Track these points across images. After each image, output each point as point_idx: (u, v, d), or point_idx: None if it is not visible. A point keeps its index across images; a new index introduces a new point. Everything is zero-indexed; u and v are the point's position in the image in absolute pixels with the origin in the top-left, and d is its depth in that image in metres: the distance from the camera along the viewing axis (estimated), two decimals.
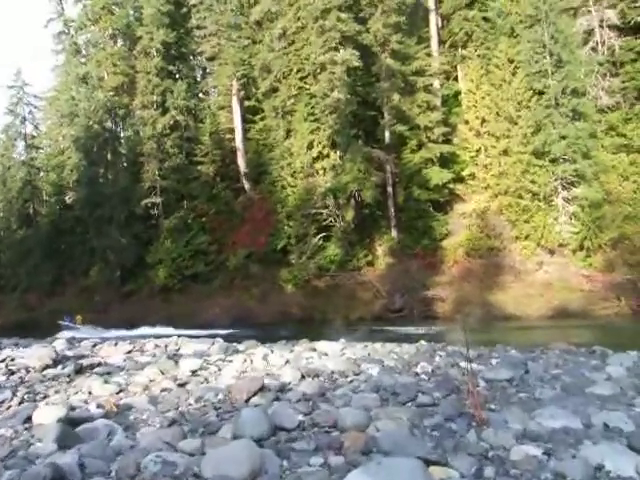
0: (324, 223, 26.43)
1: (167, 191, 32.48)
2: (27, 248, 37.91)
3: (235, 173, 32.38)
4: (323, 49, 27.23)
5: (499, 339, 13.92)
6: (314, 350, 10.23)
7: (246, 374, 7.64)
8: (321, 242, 26.44)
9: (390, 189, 27.14)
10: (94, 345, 12.14)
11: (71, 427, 4.76)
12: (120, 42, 37.36)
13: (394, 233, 26.70)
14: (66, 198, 38.82)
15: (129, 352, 10.85)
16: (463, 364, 7.66)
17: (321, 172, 27.59)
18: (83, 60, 39.11)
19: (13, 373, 8.15)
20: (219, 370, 8.09)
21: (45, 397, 6.49)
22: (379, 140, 27.96)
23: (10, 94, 41.20)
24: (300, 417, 5.06)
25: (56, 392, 6.76)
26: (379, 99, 27.69)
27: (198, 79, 37.82)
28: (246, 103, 32.19)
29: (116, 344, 12.21)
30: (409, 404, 5.80)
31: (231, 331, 21.78)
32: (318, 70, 28.20)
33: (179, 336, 14.17)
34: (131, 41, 35.82)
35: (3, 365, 8.82)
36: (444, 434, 4.63)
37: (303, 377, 7.22)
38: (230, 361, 8.98)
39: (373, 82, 28.28)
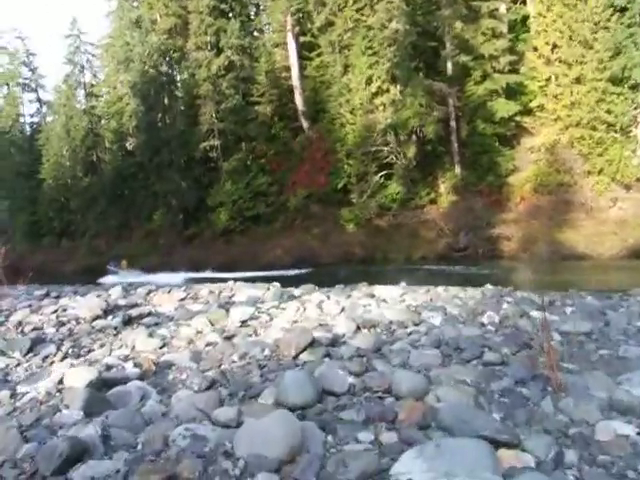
0: (385, 161, 26.36)
1: (225, 133, 33.01)
2: (93, 195, 39.74)
3: (293, 112, 32.45)
4: None
5: (571, 281, 13.64)
6: (372, 296, 9.66)
7: (298, 324, 7.25)
8: (382, 180, 26.48)
9: (453, 123, 26.63)
10: (148, 292, 11.99)
11: (104, 389, 4.67)
12: None
13: (458, 170, 26.37)
14: (127, 144, 40.11)
15: (182, 299, 10.59)
16: (534, 313, 7.30)
17: (381, 108, 27.26)
18: (135, 4, 39.41)
19: (63, 324, 8.05)
20: (270, 320, 7.73)
21: (90, 351, 6.37)
22: (441, 72, 27.27)
23: (67, 43, 42.34)
24: (351, 379, 4.61)
25: (101, 346, 6.62)
26: (440, 28, 26.83)
27: (252, 16, 37.47)
28: (301, 39, 31.86)
29: (169, 291, 12.04)
30: (474, 362, 5.27)
31: (291, 272, 22.61)
32: (375, 0, 27.39)
33: (235, 280, 14.15)
34: None
35: (54, 316, 8.71)
36: (515, 401, 4.15)
37: (358, 328, 6.82)
38: (283, 309, 8.59)
39: (433, 10, 27.35)
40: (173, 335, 7.00)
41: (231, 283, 13.17)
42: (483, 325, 7.04)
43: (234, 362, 5.54)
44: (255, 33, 36.35)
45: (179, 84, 37.96)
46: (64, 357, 6.04)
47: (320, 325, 7.05)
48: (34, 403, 4.50)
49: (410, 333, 6.62)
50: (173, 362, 5.64)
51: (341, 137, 28.49)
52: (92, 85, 44.09)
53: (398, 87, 27.03)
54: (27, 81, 49.54)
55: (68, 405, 4.31)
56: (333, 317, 7.65)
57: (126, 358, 5.94)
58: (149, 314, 8.62)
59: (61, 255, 38.90)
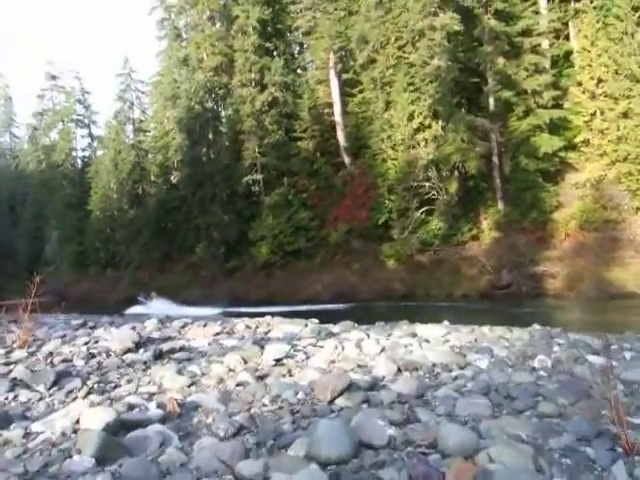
0: (426, 196, 26.68)
1: (267, 168, 34.06)
2: (137, 227, 41.34)
3: (335, 148, 33.27)
4: (421, 14, 27.23)
5: (622, 322, 13.29)
6: (414, 336, 9.34)
7: (335, 364, 7.01)
8: (423, 216, 26.78)
9: (496, 159, 26.82)
10: (183, 326, 11.93)
11: (122, 432, 4.45)
12: (218, 23, 39.12)
13: (500, 206, 26.44)
14: (172, 178, 41.69)
15: (217, 334, 10.40)
16: (591, 358, 6.89)
17: (422, 143, 27.75)
18: (183, 44, 41.60)
19: (93, 357, 7.95)
20: (306, 359, 7.47)
21: (116, 387, 6.23)
22: (483, 108, 27.60)
23: (119, 81, 44.96)
24: (391, 431, 4.23)
25: (128, 382, 6.45)
26: (482, 64, 27.21)
27: (295, 55, 38.92)
28: (344, 76, 32.83)
29: (205, 325, 11.91)
30: (528, 413, 4.87)
31: (329, 307, 22.96)
32: (417, 37, 28.23)
33: (272, 315, 14.07)
34: (228, 21, 37.54)
35: (85, 348, 8.64)
36: (579, 464, 3.68)
37: (399, 371, 6.49)
38: (321, 347, 8.30)
39: (475, 46, 27.80)
40: (204, 372, 6.82)
41: (268, 318, 13.15)
42: (534, 370, 6.62)
43: (265, 405, 5.26)
44: (298, 70, 37.64)
45: (224, 120, 39.48)
46: (88, 392, 5.88)
47: (359, 366, 6.80)
48: (46, 445, 4.26)
49: (455, 377, 6.27)
50: (200, 403, 5.38)
51: (383, 172, 29.02)
52: (140, 121, 46.46)
53: (440, 123, 27.48)
54: (81, 117, 52.70)
55: (80, 450, 4.04)
56: (372, 357, 7.37)
57: (150, 397, 5.68)
58: (181, 349, 8.46)
59: (106, 285, 40.31)
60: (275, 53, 36.39)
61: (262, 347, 8.07)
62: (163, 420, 4.82)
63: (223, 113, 39.83)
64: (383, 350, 7.85)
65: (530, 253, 23.58)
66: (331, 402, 5.23)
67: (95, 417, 4.51)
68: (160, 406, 5.19)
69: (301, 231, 32.00)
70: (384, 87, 30.28)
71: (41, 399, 5.72)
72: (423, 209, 26.77)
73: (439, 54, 26.77)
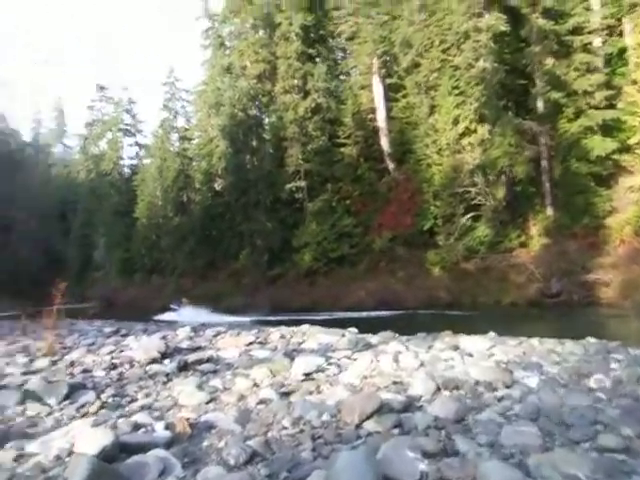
0: (473, 202, 26.41)
1: (311, 174, 34.45)
2: (182, 234, 42.43)
3: (378, 153, 33.33)
4: (466, 16, 27.02)
5: None
6: (456, 349, 8.70)
7: (368, 380, 6.54)
8: (470, 222, 26.51)
9: (545, 163, 26.34)
10: (216, 334, 11.76)
11: (122, 457, 4.05)
12: (261, 31, 39.81)
13: (550, 211, 25.92)
14: (216, 185, 42.56)
15: (249, 344, 10.10)
16: None
17: (468, 148, 27.49)
18: (227, 52, 42.59)
19: (115, 368, 7.79)
20: (338, 373, 7.06)
21: (132, 401, 5.97)
22: (531, 110, 27.15)
23: (164, 91, 46.43)
24: (423, 466, 3.70)
25: (146, 396, 6.21)
26: (530, 65, 26.79)
27: (338, 60, 39.19)
28: (387, 81, 32.93)
29: (238, 334, 11.67)
30: (585, 445, 4.24)
31: (372, 314, 23.05)
32: (461, 40, 28.01)
33: (312, 323, 13.84)
34: (271, 28, 38.12)
35: (108, 358, 8.57)
36: None
37: (438, 389, 5.96)
38: (355, 360, 7.84)
39: (522, 47, 27.39)
40: (226, 387, 6.49)
41: (305, 327, 12.89)
42: (591, 391, 5.87)
43: (285, 428, 4.81)
44: (341, 76, 37.93)
45: (267, 127, 40.04)
46: (101, 407, 5.64)
47: (394, 383, 6.33)
48: (36, 471, 3.84)
49: (501, 398, 5.66)
50: (215, 423, 5.00)
51: (428, 178, 28.92)
52: (185, 129, 47.72)
53: (486, 127, 27.16)
54: (128, 127, 54.56)
55: (67, 479, 3.58)
56: (410, 373, 6.87)
57: (162, 415, 5.35)
58: (208, 360, 8.14)
59: (151, 291, 41.41)
60: (318, 59, 36.79)
61: (293, 359, 7.74)
62: (170, 443, 4.44)
63: (266, 120, 40.39)
64: (422, 365, 7.35)
65: (581, 260, 23.00)
66: (359, 426, 4.77)
67: (92, 439, 4.11)
68: (169, 427, 4.79)
69: (345, 238, 32.15)
70: (428, 91, 30.21)
71: (50, 414, 5.49)
72: (469, 215, 26.50)
73: (485, 56, 26.54)
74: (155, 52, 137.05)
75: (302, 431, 4.71)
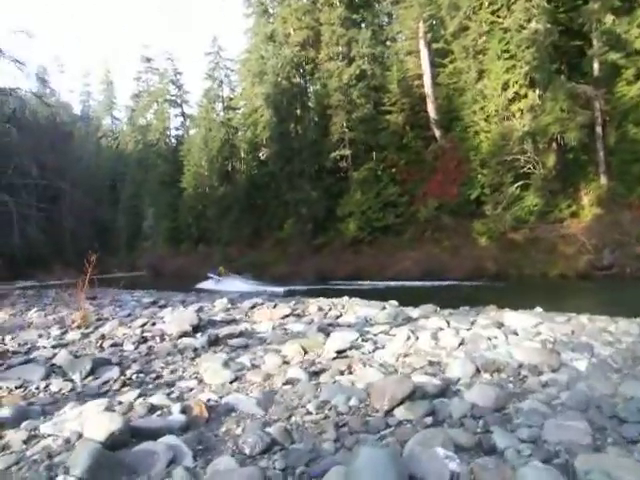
0: (522, 170, 25.83)
1: (355, 143, 34.34)
2: (228, 203, 43.08)
3: (425, 121, 32.85)
4: None
5: None
6: (500, 326, 8.07)
7: (404, 360, 6.17)
8: (518, 191, 25.97)
9: (599, 129, 25.44)
10: (252, 307, 11.49)
11: (133, 443, 3.81)
12: None
13: (603, 180, 25.14)
14: (261, 154, 42.85)
15: (285, 316, 9.84)
16: None
17: (518, 114, 26.79)
18: (270, 20, 42.37)
19: (145, 341, 7.68)
20: (373, 351, 6.68)
21: (157, 378, 5.75)
22: (585, 74, 26.14)
23: (208, 60, 46.72)
24: (454, 465, 3.32)
25: (172, 372, 6.02)
26: (586, 24, 25.61)
27: (383, 25, 38.51)
28: (434, 46, 32.21)
29: (275, 306, 11.41)
30: None
31: (416, 284, 23.07)
32: (512, 0, 26.95)
33: (356, 291, 13.74)
34: None
35: (139, 331, 8.45)
36: None
37: (478, 371, 5.51)
38: (393, 336, 7.48)
39: (579, 5, 26.19)
40: (254, 364, 6.25)
41: (345, 299, 12.66)
42: None
43: (309, 413, 4.47)
44: (387, 42, 37.25)
45: (311, 95, 39.93)
46: (124, 384, 5.48)
47: (430, 364, 5.94)
48: (43, 455, 3.67)
49: (545, 384, 5.10)
50: (236, 406, 4.69)
51: (475, 146, 28.40)
52: (230, 98, 48.04)
53: (537, 92, 26.38)
54: (173, 97, 55.34)
55: (68, 468, 3.37)
56: (449, 352, 6.48)
57: (181, 395, 5.11)
58: (240, 334, 7.91)
59: (197, 260, 42.30)
60: (363, 25, 36.37)
61: (327, 334, 7.45)
62: (185, 428, 4.16)
63: (310, 88, 40.33)
64: (462, 343, 6.87)
65: (636, 231, 22.28)
66: (388, 412, 4.39)
67: (100, 424, 3.85)
68: (186, 410, 4.47)
69: (390, 207, 32.08)
70: (476, 56, 29.40)
71: (72, 390, 5.35)
72: (518, 184, 25.94)
73: (537, 16, 25.57)
74: (198, 21, 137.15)
75: (327, 417, 4.36)
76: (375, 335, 7.68)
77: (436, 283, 23.16)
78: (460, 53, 30.47)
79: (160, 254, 49.89)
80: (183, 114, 56.17)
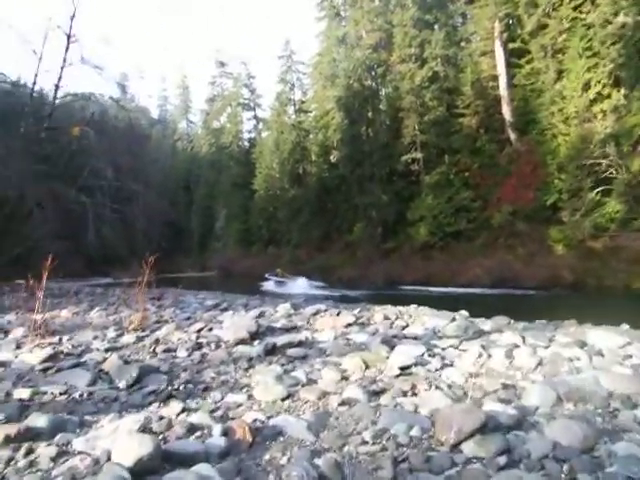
0: (603, 175, 24.78)
1: (427, 146, 34.09)
2: (298, 206, 43.69)
3: (499, 124, 32.12)
4: None
5: None
6: (582, 345, 7.09)
7: (474, 381, 5.59)
8: (599, 197, 24.94)
9: None
10: (315, 313, 11.12)
11: (165, 469, 3.48)
12: None
13: None
14: (331, 157, 43.20)
15: (349, 325, 9.37)
16: None
17: (600, 116, 25.75)
18: (342, 23, 42.76)
19: (200, 347, 7.43)
20: (441, 368, 6.11)
21: (205, 390, 5.42)
22: None
23: (280, 64, 47.74)
24: None
25: (222, 383, 5.66)
26: None
27: (457, 26, 37.98)
28: (510, 46, 31.40)
29: (339, 313, 10.95)
30: None
31: (487, 292, 22.60)
32: None
33: (422, 300, 13.02)
34: None
35: (195, 336, 8.21)
36: None
37: (560, 400, 4.82)
38: (463, 351, 6.93)
39: None
40: (310, 378, 5.78)
41: (412, 308, 12.07)
42: None
43: (364, 443, 4.01)
44: (461, 43, 36.64)
45: (382, 97, 39.93)
46: (169, 396, 5.14)
47: (504, 387, 5.30)
48: (65, 478, 3.38)
49: None
50: (284, 429, 4.27)
51: (552, 149, 27.52)
52: (301, 101, 48.78)
53: (622, 91, 25.24)
54: (246, 101, 57.00)
55: None
56: (525, 375, 5.80)
57: (225, 414, 4.69)
58: (299, 343, 7.51)
59: (266, 261, 42.99)
60: (436, 26, 36.01)
61: (392, 347, 6.95)
62: (224, 454, 3.78)
63: (382, 91, 40.32)
64: (540, 364, 6.17)
65: None
66: (455, 447, 3.87)
67: (129, 447, 3.53)
68: (228, 432, 4.06)
69: (462, 212, 31.57)
70: (555, 55, 28.53)
71: (116, 400, 5.11)
72: (598, 189, 24.90)
73: (625, 8, 24.41)
74: (270, 25, 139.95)
75: (384, 449, 3.86)
76: (443, 350, 7.12)
77: (508, 292, 22.64)
78: (538, 52, 29.63)
79: (230, 255, 51.25)
80: (255, 117, 57.75)
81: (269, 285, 29.03)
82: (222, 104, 59.77)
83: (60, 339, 8.23)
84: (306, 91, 49.92)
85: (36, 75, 32.36)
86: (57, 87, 32.20)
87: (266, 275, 31.29)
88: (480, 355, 6.51)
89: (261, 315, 11.00)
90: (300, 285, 28.42)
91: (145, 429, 4.13)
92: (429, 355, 6.70)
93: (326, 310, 11.57)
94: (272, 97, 51.74)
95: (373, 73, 39.18)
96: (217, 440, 3.92)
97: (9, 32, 72.30)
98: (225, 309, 12.91)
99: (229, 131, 56.80)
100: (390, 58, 36.83)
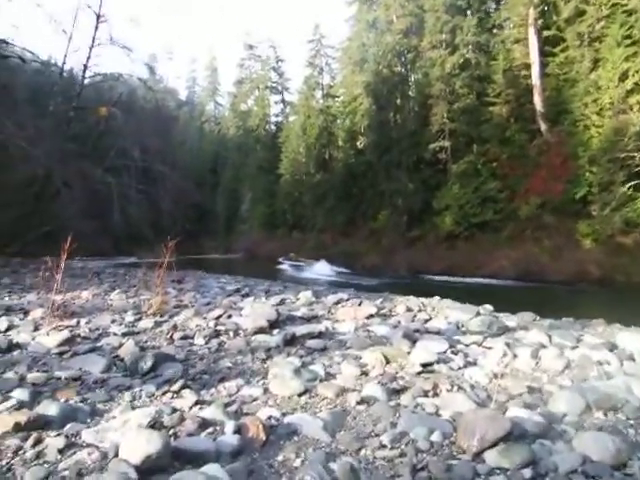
0: (636, 169, 24.16)
1: (456, 134, 33.74)
2: (323, 191, 43.71)
3: (530, 113, 31.50)
4: None
5: None
6: (612, 348, 6.71)
7: (499, 382, 5.25)
8: (631, 191, 24.35)
9: None
10: (337, 302, 10.88)
11: (174, 468, 3.33)
12: None
13: None
14: (358, 143, 42.98)
15: (371, 316, 9.06)
16: None
17: (636, 107, 25.04)
18: (373, 7, 42.22)
19: (218, 335, 7.22)
20: (464, 367, 5.85)
21: (221, 380, 5.27)
22: None
23: (309, 48, 47.45)
24: None
25: (239, 374, 5.50)
26: None
27: (490, 12, 37.11)
28: (544, 33, 30.61)
29: (360, 303, 10.64)
30: None
31: (511, 284, 22.34)
32: None
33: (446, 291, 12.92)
34: None
35: (213, 323, 7.98)
36: None
37: (589, 408, 4.53)
38: (487, 348, 6.64)
39: None
40: (328, 373, 5.58)
41: (435, 300, 11.73)
42: None
43: (382, 447, 3.78)
44: (493, 29, 35.86)
45: (412, 84, 39.55)
46: (184, 386, 4.95)
47: (529, 390, 5.06)
48: (72, 473, 3.23)
49: None
50: (299, 428, 4.08)
51: (584, 141, 26.89)
52: (330, 86, 48.45)
53: None
54: (275, 84, 56.79)
55: None
56: (551, 378, 5.53)
57: (240, 409, 4.51)
58: (319, 334, 7.30)
59: (291, 246, 43.22)
60: (468, 11, 35.32)
61: (414, 342, 6.67)
62: (236, 453, 3.62)
63: (412, 77, 39.91)
64: (567, 367, 5.88)
65: None
66: (478, 455, 3.62)
67: (137, 443, 3.35)
68: (241, 429, 3.91)
69: (489, 202, 31.20)
70: (592, 43, 27.80)
71: (129, 388, 4.92)
72: (631, 183, 24.30)
73: None
74: (300, 10, 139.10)
75: (403, 455, 3.63)
76: (466, 346, 6.85)
77: (534, 285, 22.38)
78: (573, 40, 28.89)
79: (255, 238, 51.58)
80: (283, 101, 57.74)
81: (285, 267, 29.22)
82: (250, 87, 59.75)
83: (78, 322, 8.17)
84: (334, 76, 49.62)
85: (65, 55, 32.65)
86: (86, 67, 32.37)
87: (280, 259, 31.55)
88: (505, 354, 6.22)
89: (282, 302, 10.82)
90: (319, 269, 28.53)
91: (156, 423, 3.99)
92: (452, 352, 6.44)
93: (348, 299, 11.32)
94: (300, 81, 51.59)
95: (403, 59, 38.79)
96: (229, 438, 3.75)
97: (38, 11, 72.48)
98: (246, 295, 12.69)
99: (256, 114, 56.80)
100: (420, 44, 36.30)
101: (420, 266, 29.70)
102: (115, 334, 7.31)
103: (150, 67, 46.32)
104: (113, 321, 8.31)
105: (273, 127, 57.79)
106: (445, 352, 6.34)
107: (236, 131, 61.63)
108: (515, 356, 6.16)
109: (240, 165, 58.40)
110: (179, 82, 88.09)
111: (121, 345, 6.42)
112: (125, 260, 32.87)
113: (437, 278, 26.52)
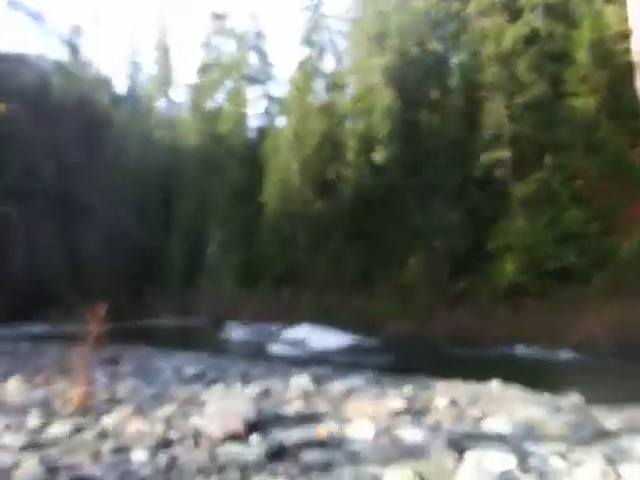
0: None
1: (519, 140, 33.58)
2: (326, 228, 43.44)
3: (631, 107, 31.19)
4: None
5: None
6: None
7: None
8: None
9: None
10: (347, 392, 11.27)
11: None
12: None
13: None
14: (376, 156, 42.71)
15: (397, 413, 9.35)
16: None
17: None
18: None
19: (169, 445, 7.28)
20: None
21: None
22: None
23: (305, 19, 47.59)
24: None
25: None
26: None
27: None
28: None
29: (381, 394, 11.05)
30: None
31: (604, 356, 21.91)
32: None
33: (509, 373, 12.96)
34: None
35: (162, 427, 8.05)
36: None
37: None
38: (575, 465, 6.38)
39: None
40: None
41: (493, 386, 12.04)
42: None
43: None
44: None
45: (454, 68, 39.90)
46: None
47: None
48: None
49: None
50: None
51: None
52: (335, 74, 48.66)
53: None
54: (255, 72, 57.30)
55: None
56: None
57: None
58: (321, 443, 7.35)
59: (278, 307, 42.93)
60: None
61: (461, 453, 6.59)
62: None
63: (453, 58, 39.97)
64: None
65: None
66: None
67: None
68: None
69: (571, 239, 30.79)
70: None
71: None
72: None
73: None
74: None
75: None
76: (544, 459, 6.62)
77: None
78: None
79: (226, 296, 50.91)
80: (267, 96, 57.72)
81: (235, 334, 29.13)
82: (219, 76, 59.93)
83: None
84: (341, 58, 49.77)
85: None
86: None
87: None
88: (605, 474, 5.90)
89: (266, 394, 11.12)
90: (319, 339, 28.15)
91: None
92: (522, 469, 6.15)
93: (363, 387, 11.73)
94: (292, 67, 51.70)
95: (441, 32, 38.91)
96: None
97: None
98: (212, 381, 13.06)
99: (228, 115, 56.85)
100: (465, 9, 36.51)
101: (470, 334, 29.25)
102: (9, 448, 7.10)
103: (73, 45, 46.43)
104: (7, 427, 8.23)
105: (253, 134, 57.88)
106: (511, 470, 6.09)
107: (199, 140, 61.59)
108: (619, 477, 5.90)
109: (205, 190, 58.16)
110: (115, 68, 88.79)
111: (17, 465, 6.21)
112: (30, 329, 32.46)
113: (495, 352, 26.25)
